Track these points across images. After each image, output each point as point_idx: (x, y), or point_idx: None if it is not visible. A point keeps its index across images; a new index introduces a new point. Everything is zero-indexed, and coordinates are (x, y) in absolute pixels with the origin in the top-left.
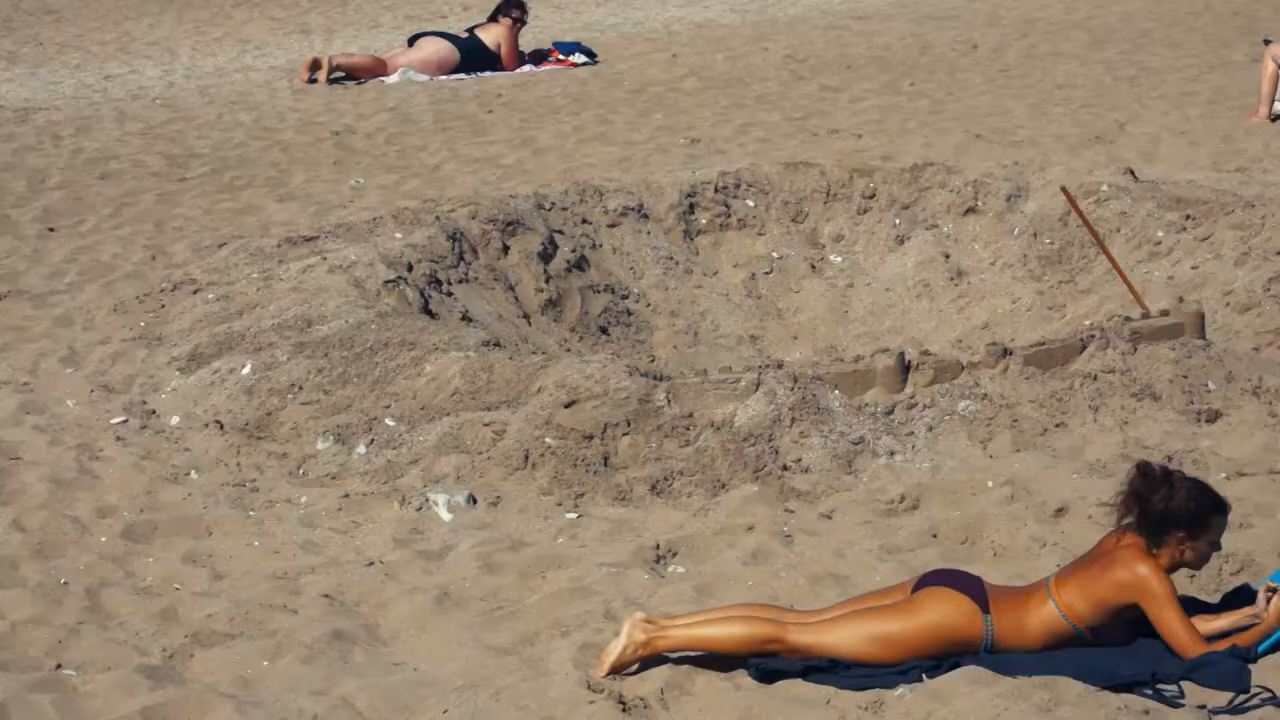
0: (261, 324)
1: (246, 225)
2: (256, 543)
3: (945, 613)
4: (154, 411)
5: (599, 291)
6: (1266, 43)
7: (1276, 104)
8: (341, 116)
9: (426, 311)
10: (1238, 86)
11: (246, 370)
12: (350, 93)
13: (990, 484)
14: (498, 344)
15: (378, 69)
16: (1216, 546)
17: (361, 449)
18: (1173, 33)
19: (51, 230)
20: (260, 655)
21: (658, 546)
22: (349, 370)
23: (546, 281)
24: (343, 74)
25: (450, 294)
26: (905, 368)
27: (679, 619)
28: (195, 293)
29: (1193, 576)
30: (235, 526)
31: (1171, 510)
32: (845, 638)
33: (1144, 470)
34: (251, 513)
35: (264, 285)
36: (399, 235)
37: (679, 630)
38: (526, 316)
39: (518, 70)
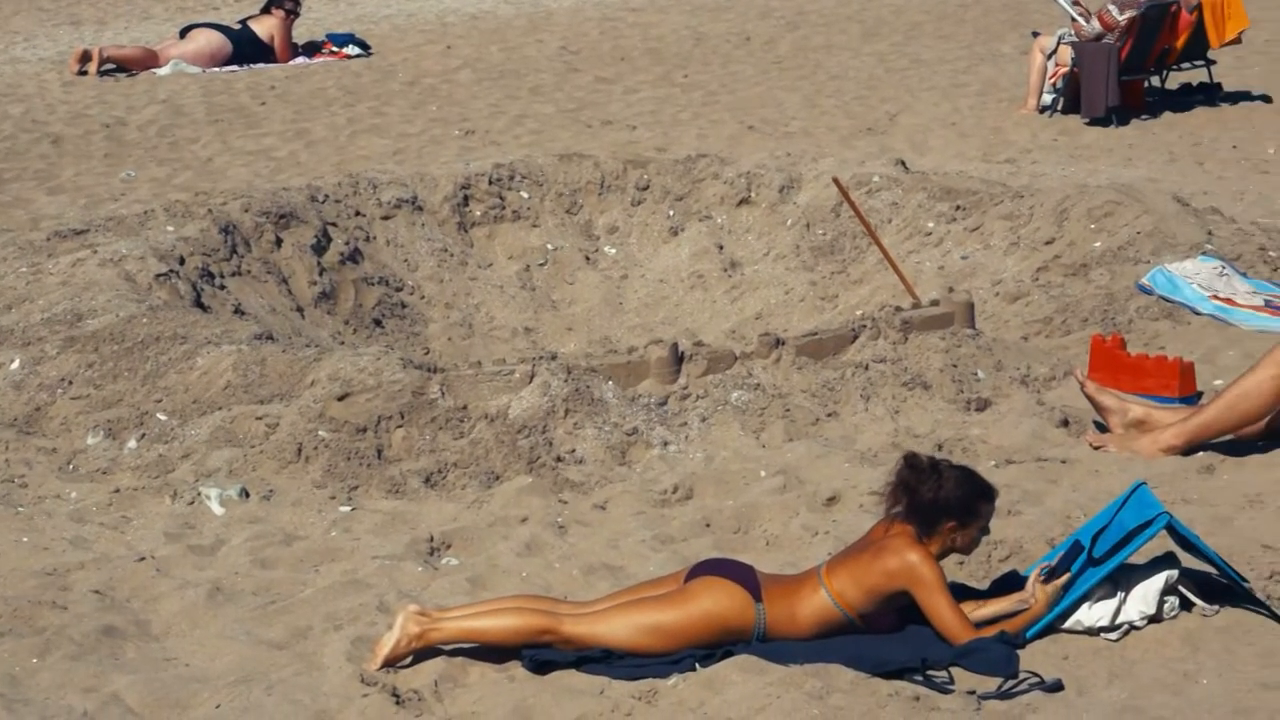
0: (30, 318)
1: (15, 219)
2: (25, 539)
3: (717, 601)
4: None
5: (373, 284)
6: (1035, 35)
7: (1045, 95)
8: (112, 109)
9: (199, 305)
10: (1007, 78)
11: (15, 365)
12: (121, 85)
13: (763, 473)
14: (270, 337)
15: (149, 61)
16: (986, 532)
17: (132, 443)
18: (943, 25)
19: None
20: (29, 653)
21: (431, 539)
22: (119, 365)
23: (320, 274)
24: (113, 66)
25: (223, 287)
26: (678, 359)
27: (452, 611)
28: None
29: (962, 563)
30: (3, 523)
31: (940, 499)
32: (618, 628)
33: (911, 461)
34: (20, 509)
35: (33, 279)
36: (170, 228)
37: (452, 622)
38: (300, 309)
39: (291, 62)
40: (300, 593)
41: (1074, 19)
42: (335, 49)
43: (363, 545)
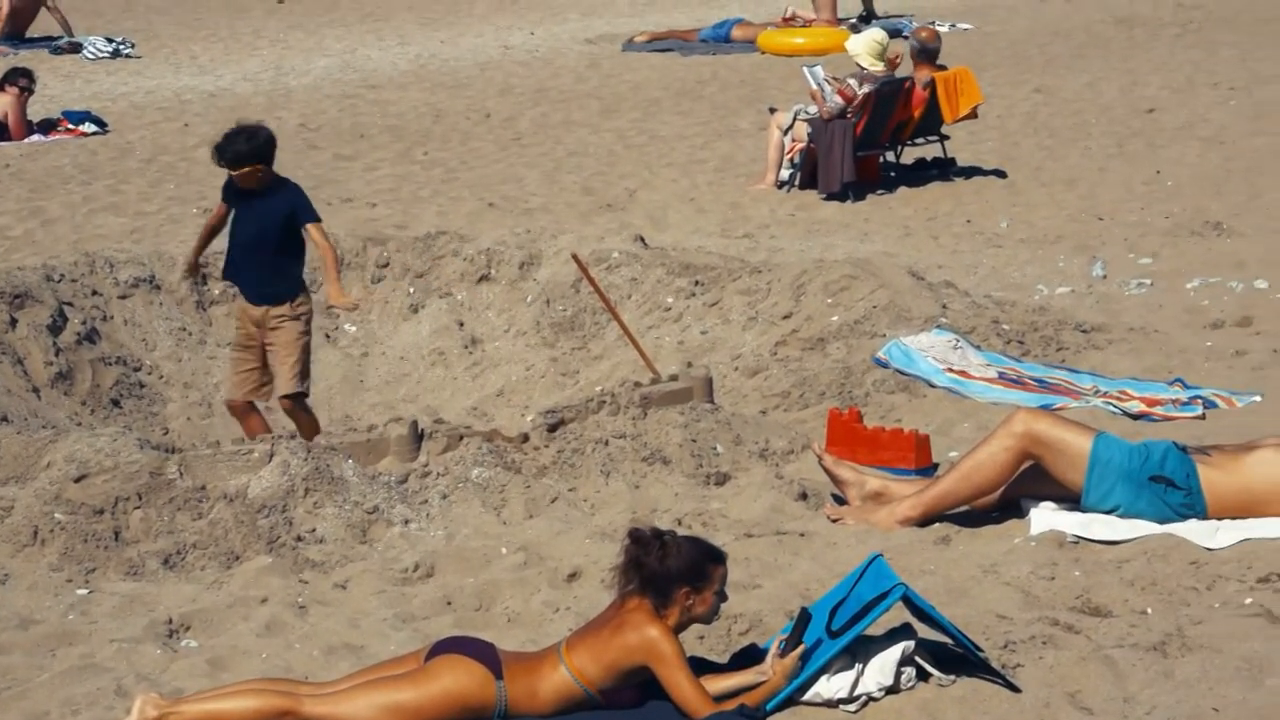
0: None
1: None
2: None
3: (458, 679)
4: None
5: (110, 364)
6: (771, 111)
7: (782, 171)
8: None
9: None
10: (744, 154)
11: None
12: None
13: (504, 550)
14: (5, 419)
15: None
16: (723, 597)
17: None
18: (681, 101)
19: None
20: None
21: (170, 621)
22: None
23: (56, 354)
24: None
25: None
26: (418, 436)
27: (192, 695)
28: None
29: (702, 636)
30: None
31: (669, 567)
32: (360, 708)
33: (636, 536)
34: None
35: None
36: None
37: (191, 706)
38: (36, 390)
39: (26, 140)
40: (37, 677)
41: (821, 93)
42: (71, 126)
43: (100, 628)
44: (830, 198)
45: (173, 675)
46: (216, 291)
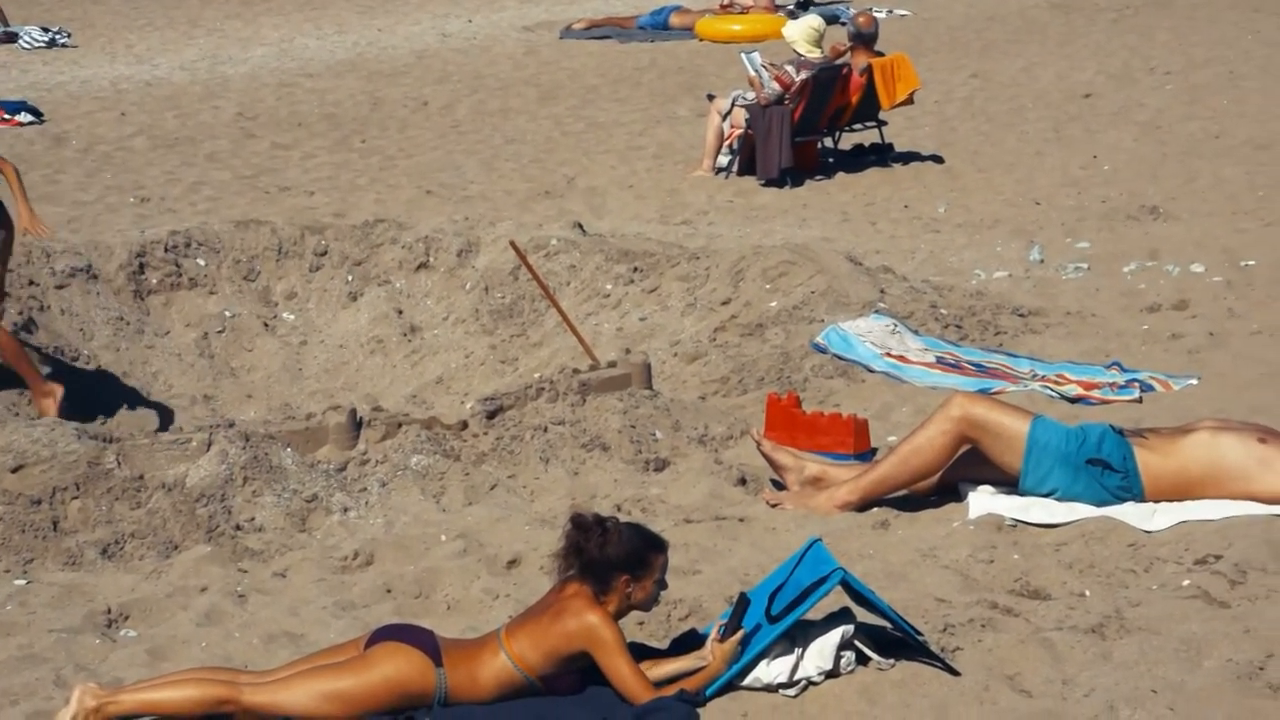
0: None
1: None
2: None
3: (397, 667)
4: None
5: (48, 354)
6: (710, 98)
7: (721, 157)
8: None
9: None
10: (683, 141)
11: None
12: None
13: (443, 538)
14: None
15: None
16: (663, 585)
17: None
18: (620, 89)
19: None
20: None
21: (109, 611)
22: None
23: None
24: None
25: None
26: (357, 424)
27: (131, 685)
28: None
29: (642, 622)
30: None
31: (609, 554)
32: (299, 696)
33: (578, 521)
34: None
35: None
36: None
37: (130, 695)
38: None
39: None
40: None
41: (759, 80)
42: (7, 116)
43: (39, 619)
44: (768, 184)
45: (112, 665)
46: (154, 281)
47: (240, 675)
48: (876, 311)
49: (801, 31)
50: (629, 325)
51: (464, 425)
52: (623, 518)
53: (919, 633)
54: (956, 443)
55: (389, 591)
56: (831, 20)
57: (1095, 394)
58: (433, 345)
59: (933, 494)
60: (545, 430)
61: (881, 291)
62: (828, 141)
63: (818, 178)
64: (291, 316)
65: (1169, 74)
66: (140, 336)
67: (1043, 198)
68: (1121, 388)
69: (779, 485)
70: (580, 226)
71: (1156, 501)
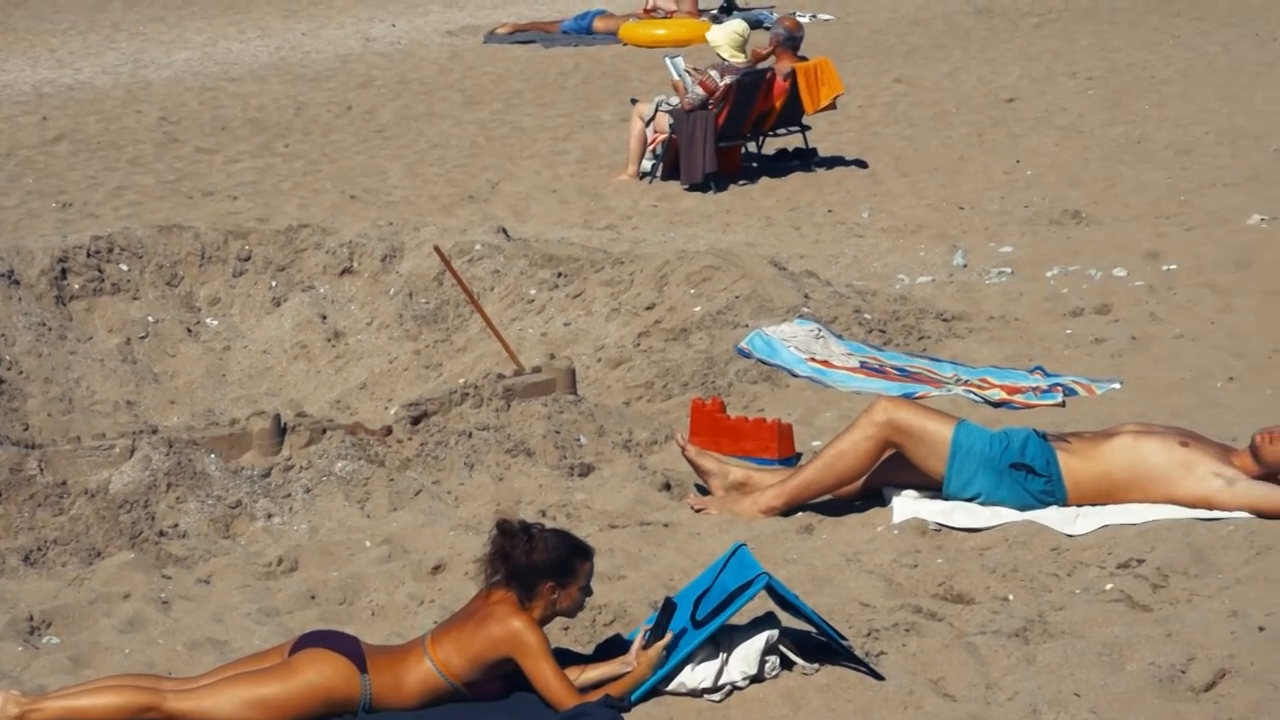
0: None
1: None
2: None
3: (322, 674)
4: None
5: None
6: (634, 102)
7: (645, 162)
8: None
9: None
10: (607, 145)
11: None
12: None
13: (368, 544)
14: None
15: None
16: (588, 592)
17: None
18: (544, 93)
19: None
20: None
21: (31, 618)
22: None
23: None
24: None
25: None
26: (281, 430)
27: (54, 692)
28: None
29: (567, 628)
30: None
31: (535, 561)
32: (223, 703)
33: (503, 528)
34: None
35: None
36: None
37: (53, 702)
38: None
39: None
40: None
41: (683, 84)
42: None
43: None
44: (692, 188)
45: (34, 672)
46: (76, 286)
47: (164, 682)
48: (801, 316)
49: (725, 36)
50: (553, 330)
51: (388, 431)
52: (548, 523)
53: (843, 637)
54: (881, 447)
55: (313, 598)
56: (755, 25)
57: (1019, 398)
58: (357, 350)
59: (857, 498)
60: (470, 436)
61: (806, 296)
62: (751, 146)
63: (742, 182)
64: (215, 322)
65: (1091, 79)
66: (63, 342)
67: (966, 202)
68: (1045, 392)
69: (703, 490)
70: (504, 231)
71: (1079, 505)
